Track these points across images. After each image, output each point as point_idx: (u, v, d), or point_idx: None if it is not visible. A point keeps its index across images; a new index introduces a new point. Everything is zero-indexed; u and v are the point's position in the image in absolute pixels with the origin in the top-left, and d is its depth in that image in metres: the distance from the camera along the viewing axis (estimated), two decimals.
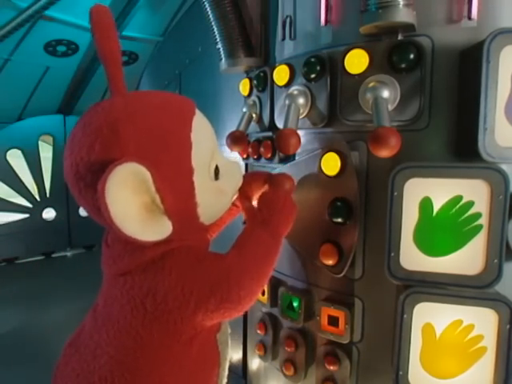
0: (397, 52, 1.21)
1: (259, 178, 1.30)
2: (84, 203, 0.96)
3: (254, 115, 1.72)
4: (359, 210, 1.32)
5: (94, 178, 0.83)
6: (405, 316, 1.23)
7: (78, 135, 0.91)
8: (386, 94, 1.21)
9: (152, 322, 0.95)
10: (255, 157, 1.71)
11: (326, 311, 1.42)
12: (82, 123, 0.92)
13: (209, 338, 1.10)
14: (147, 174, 0.81)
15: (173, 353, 0.99)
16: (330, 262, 1.36)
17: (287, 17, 1.55)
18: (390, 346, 1.29)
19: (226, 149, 1.72)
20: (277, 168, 1.60)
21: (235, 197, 1.23)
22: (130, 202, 0.82)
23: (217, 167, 1.05)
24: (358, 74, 1.27)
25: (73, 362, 1.05)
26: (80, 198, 0.95)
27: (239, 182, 1.16)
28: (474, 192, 1.15)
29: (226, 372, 1.21)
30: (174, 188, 0.90)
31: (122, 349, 0.98)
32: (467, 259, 1.17)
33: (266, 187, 1.28)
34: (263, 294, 1.69)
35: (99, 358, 0.99)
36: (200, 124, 1.00)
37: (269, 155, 1.62)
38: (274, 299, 1.64)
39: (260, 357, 1.73)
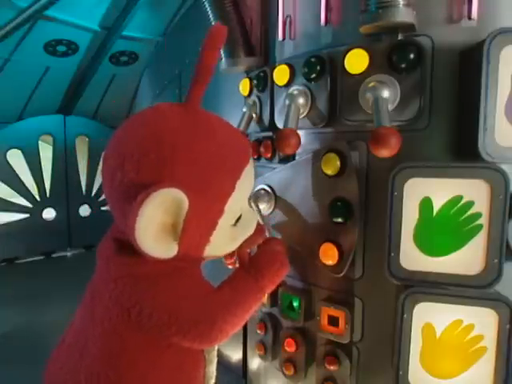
0: (397, 52, 1.21)
1: (257, 232, 1.30)
2: (112, 199, 0.95)
3: (254, 115, 1.72)
4: (359, 209, 1.32)
5: (133, 190, 0.84)
6: (405, 316, 1.23)
7: (135, 134, 0.91)
8: (386, 93, 1.21)
9: (135, 328, 0.97)
10: (255, 157, 1.71)
11: (326, 311, 1.42)
12: (142, 121, 0.94)
13: None
14: (186, 203, 0.83)
15: (154, 355, 1.00)
16: (330, 262, 1.36)
17: (287, 17, 1.55)
18: (390, 345, 1.29)
19: None
20: (277, 168, 1.60)
21: None
22: (156, 220, 0.83)
23: (240, 215, 1.04)
24: (358, 74, 1.27)
25: (61, 359, 1.07)
26: (112, 191, 0.94)
27: (251, 232, 1.13)
28: (474, 192, 1.15)
29: (214, 373, 1.21)
30: (199, 222, 0.91)
31: (106, 349, 0.99)
32: (467, 259, 1.17)
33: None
34: None
35: (85, 356, 1.01)
36: (248, 174, 1.00)
37: (269, 155, 1.63)
38: (274, 299, 1.63)
39: (260, 356, 1.73)
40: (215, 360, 1.20)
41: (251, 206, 1.22)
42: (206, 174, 0.90)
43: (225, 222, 0.97)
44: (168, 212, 0.84)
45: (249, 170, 1.00)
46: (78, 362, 1.02)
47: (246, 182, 1.00)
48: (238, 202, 0.98)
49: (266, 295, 1.64)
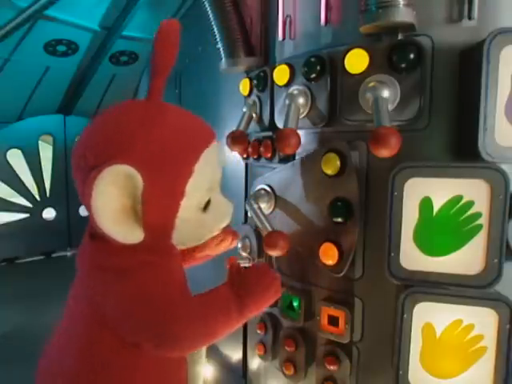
0: (397, 52, 1.21)
1: (229, 234, 1.35)
2: (78, 182, 0.99)
3: (254, 115, 1.72)
4: (359, 209, 1.32)
5: (93, 165, 0.87)
6: (405, 316, 1.23)
7: (97, 125, 0.97)
8: (386, 93, 1.21)
9: (101, 323, 0.97)
10: (255, 156, 1.71)
11: (326, 311, 1.42)
12: (105, 114, 1.00)
13: None
14: (140, 182, 0.86)
15: (128, 355, 0.99)
16: (330, 262, 1.36)
17: (287, 16, 1.55)
18: (390, 345, 1.29)
19: (227, 148, 1.72)
20: (277, 168, 1.60)
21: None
22: (113, 200, 0.86)
23: (209, 200, 1.05)
24: (358, 74, 1.27)
25: (47, 359, 1.08)
26: (76, 174, 0.97)
27: (224, 222, 1.12)
28: (474, 192, 1.15)
29: (201, 373, 1.21)
30: (160, 204, 0.92)
31: (81, 349, 1.00)
32: (467, 259, 1.17)
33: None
34: None
35: (65, 356, 1.02)
36: (209, 158, 1.01)
37: (269, 155, 1.63)
38: None
39: (260, 356, 1.73)
40: (202, 360, 1.19)
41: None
42: (161, 156, 0.92)
43: (189, 205, 0.97)
44: (125, 192, 0.86)
45: (209, 155, 1.00)
46: (57, 363, 1.03)
47: (208, 167, 1.00)
48: (200, 184, 0.99)
49: None
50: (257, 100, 1.70)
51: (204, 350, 1.23)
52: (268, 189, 1.61)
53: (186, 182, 0.95)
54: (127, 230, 0.90)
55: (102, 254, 0.98)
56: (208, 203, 1.04)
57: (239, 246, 1.83)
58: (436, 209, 1.19)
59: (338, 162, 1.33)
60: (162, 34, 1.01)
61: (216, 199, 1.08)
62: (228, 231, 1.34)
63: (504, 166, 1.13)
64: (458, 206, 1.17)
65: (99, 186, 0.81)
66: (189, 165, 0.96)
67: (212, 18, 1.80)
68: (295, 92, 1.42)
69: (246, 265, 1.80)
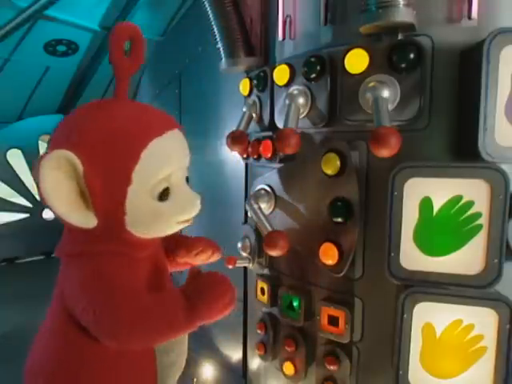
0: (397, 52, 1.21)
1: (211, 247, 1.33)
2: None
3: (254, 115, 1.72)
4: (359, 209, 1.32)
5: None
6: (405, 316, 1.23)
7: (61, 122, 1.04)
8: (386, 93, 1.21)
9: (68, 319, 1.01)
10: (255, 156, 1.71)
11: (326, 311, 1.42)
12: (71, 113, 1.07)
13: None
14: (80, 166, 0.91)
15: (92, 351, 1.01)
16: (330, 262, 1.36)
17: (287, 16, 1.55)
18: (390, 345, 1.29)
19: (227, 148, 1.72)
20: (277, 168, 1.60)
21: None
22: (60, 184, 0.92)
23: (166, 190, 1.04)
24: (358, 74, 1.27)
25: (29, 359, 1.11)
26: None
27: (186, 214, 1.08)
28: (474, 192, 1.15)
29: (176, 360, 1.19)
30: (105, 189, 0.96)
31: (55, 346, 1.04)
32: (467, 259, 1.17)
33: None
34: (263, 293, 1.69)
35: (43, 355, 1.06)
36: (162, 146, 1.01)
37: (269, 155, 1.62)
38: (274, 299, 1.64)
39: (260, 356, 1.73)
40: (178, 347, 1.17)
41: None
42: (105, 143, 0.96)
43: (137, 191, 0.98)
44: (69, 177, 0.93)
45: (162, 143, 1.01)
46: (38, 362, 1.07)
47: (160, 154, 1.01)
48: (149, 172, 0.99)
49: (266, 295, 1.66)
50: (257, 100, 1.70)
51: (185, 339, 1.21)
52: (268, 189, 1.61)
53: (131, 168, 0.96)
54: (79, 215, 0.95)
55: (70, 244, 1.04)
56: (166, 193, 1.04)
57: (239, 245, 1.83)
58: (436, 209, 1.19)
59: (338, 162, 1.33)
60: (112, 38, 1.07)
61: (178, 190, 1.06)
62: (210, 243, 1.34)
63: (504, 166, 1.13)
64: (457, 205, 1.17)
65: (43, 169, 0.88)
66: (135, 152, 0.97)
67: (212, 18, 1.80)
68: (295, 92, 1.42)
69: (246, 265, 1.80)
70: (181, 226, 1.10)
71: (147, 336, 0.99)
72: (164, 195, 1.03)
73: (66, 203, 0.93)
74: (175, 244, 1.31)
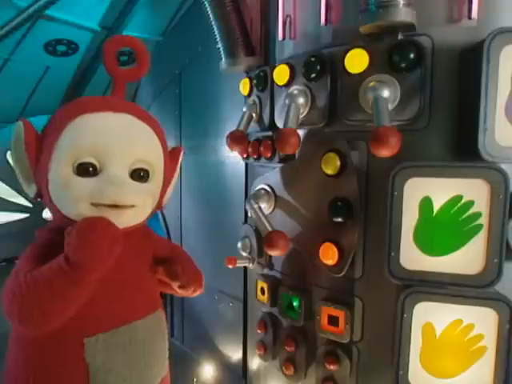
0: (397, 51, 1.21)
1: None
2: None
3: (254, 115, 1.72)
4: (359, 209, 1.32)
5: None
6: (405, 315, 1.23)
7: None
8: (386, 93, 1.21)
9: None
10: (255, 156, 1.71)
11: (326, 311, 1.42)
12: None
13: (60, 350, 1.04)
14: (22, 127, 1.05)
15: (18, 340, 1.07)
16: (330, 262, 1.36)
17: (287, 16, 1.55)
18: (390, 345, 1.29)
19: (227, 148, 1.72)
20: (277, 167, 1.60)
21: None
22: (20, 157, 1.07)
23: (88, 165, 1.03)
24: (358, 74, 1.27)
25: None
26: None
27: (101, 197, 1.02)
28: (474, 191, 1.15)
29: (165, 359, 1.20)
30: (39, 160, 1.07)
31: (10, 344, 1.10)
32: (467, 259, 1.17)
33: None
34: (263, 293, 1.69)
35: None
36: (88, 121, 1.06)
37: (269, 154, 1.63)
38: (274, 299, 1.64)
39: (260, 356, 1.73)
40: (164, 336, 1.19)
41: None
42: (50, 120, 1.12)
43: (58, 161, 1.03)
44: (22, 149, 1.05)
45: (87, 118, 1.06)
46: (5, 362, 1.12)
47: (81, 127, 1.06)
48: (68, 143, 1.04)
49: (266, 295, 1.66)
50: (257, 100, 1.70)
51: (164, 325, 1.21)
52: (268, 189, 1.61)
53: (54, 143, 1.05)
54: (28, 187, 1.10)
55: None
56: (87, 169, 1.03)
57: (239, 245, 1.83)
58: (436, 208, 1.19)
59: (338, 162, 1.33)
60: (104, 52, 1.15)
61: (106, 173, 1.04)
62: (194, 279, 1.27)
63: (504, 166, 1.13)
64: (458, 205, 1.17)
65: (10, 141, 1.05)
66: (61, 124, 1.06)
67: (212, 18, 1.80)
68: (295, 92, 1.42)
69: (246, 264, 1.80)
70: (101, 213, 1.03)
71: (37, 308, 0.94)
72: (85, 171, 1.03)
73: (25, 178, 1.09)
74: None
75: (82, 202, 1.03)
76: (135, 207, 1.08)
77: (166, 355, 1.24)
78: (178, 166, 1.30)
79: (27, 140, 1.06)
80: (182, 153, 1.30)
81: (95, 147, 1.04)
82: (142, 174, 1.11)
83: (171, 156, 1.25)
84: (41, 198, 1.11)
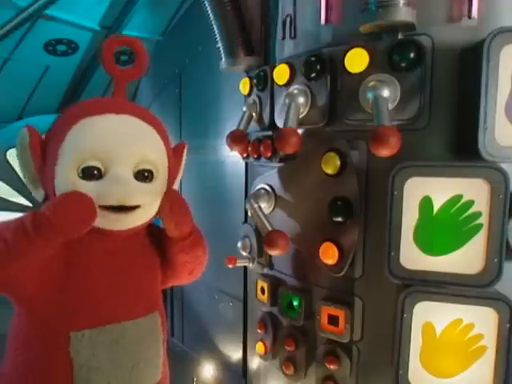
0: (397, 51, 1.21)
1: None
2: None
3: (254, 114, 1.72)
4: (359, 209, 1.32)
5: None
6: (405, 315, 1.23)
7: None
8: (386, 93, 1.21)
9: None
10: (255, 156, 1.71)
11: (326, 310, 1.42)
12: None
13: (48, 337, 1.05)
14: (26, 133, 1.11)
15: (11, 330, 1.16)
16: (330, 262, 1.36)
17: (287, 16, 1.55)
18: (390, 345, 1.29)
19: (227, 148, 1.72)
20: (277, 167, 1.60)
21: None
22: (26, 163, 1.09)
23: (93, 169, 1.03)
24: (359, 73, 1.27)
25: None
26: None
27: (107, 199, 1.04)
28: (474, 191, 1.15)
29: (161, 351, 1.18)
30: (44, 167, 1.08)
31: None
32: (467, 258, 1.17)
33: None
34: (263, 293, 1.69)
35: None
36: (90, 124, 1.07)
37: (269, 154, 1.62)
38: (274, 298, 1.64)
39: (260, 356, 1.73)
40: (158, 329, 1.16)
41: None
42: (51, 125, 1.17)
43: (63, 166, 1.04)
44: (28, 155, 1.08)
45: (89, 122, 1.07)
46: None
47: (83, 131, 1.07)
48: (72, 147, 1.05)
49: (266, 295, 1.66)
50: (257, 99, 1.70)
51: (158, 329, 1.18)
52: (268, 188, 1.61)
53: (59, 146, 1.06)
54: (35, 188, 1.12)
55: None
56: (92, 173, 1.03)
57: (239, 245, 1.83)
58: (436, 208, 1.19)
59: (338, 162, 1.33)
60: (102, 53, 1.16)
61: (111, 175, 1.04)
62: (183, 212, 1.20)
63: (504, 166, 1.13)
64: (458, 205, 1.17)
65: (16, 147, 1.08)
66: (64, 129, 1.08)
67: (212, 18, 1.80)
68: (295, 91, 1.42)
69: (246, 264, 1.80)
70: (108, 216, 1.04)
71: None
72: (90, 175, 1.04)
73: (28, 179, 1.10)
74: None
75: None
76: (142, 207, 1.09)
77: (159, 361, 1.19)
78: (183, 161, 1.30)
79: (32, 146, 1.09)
80: (185, 148, 1.29)
81: (98, 150, 1.04)
82: (146, 174, 1.11)
83: (175, 152, 1.25)
84: None
